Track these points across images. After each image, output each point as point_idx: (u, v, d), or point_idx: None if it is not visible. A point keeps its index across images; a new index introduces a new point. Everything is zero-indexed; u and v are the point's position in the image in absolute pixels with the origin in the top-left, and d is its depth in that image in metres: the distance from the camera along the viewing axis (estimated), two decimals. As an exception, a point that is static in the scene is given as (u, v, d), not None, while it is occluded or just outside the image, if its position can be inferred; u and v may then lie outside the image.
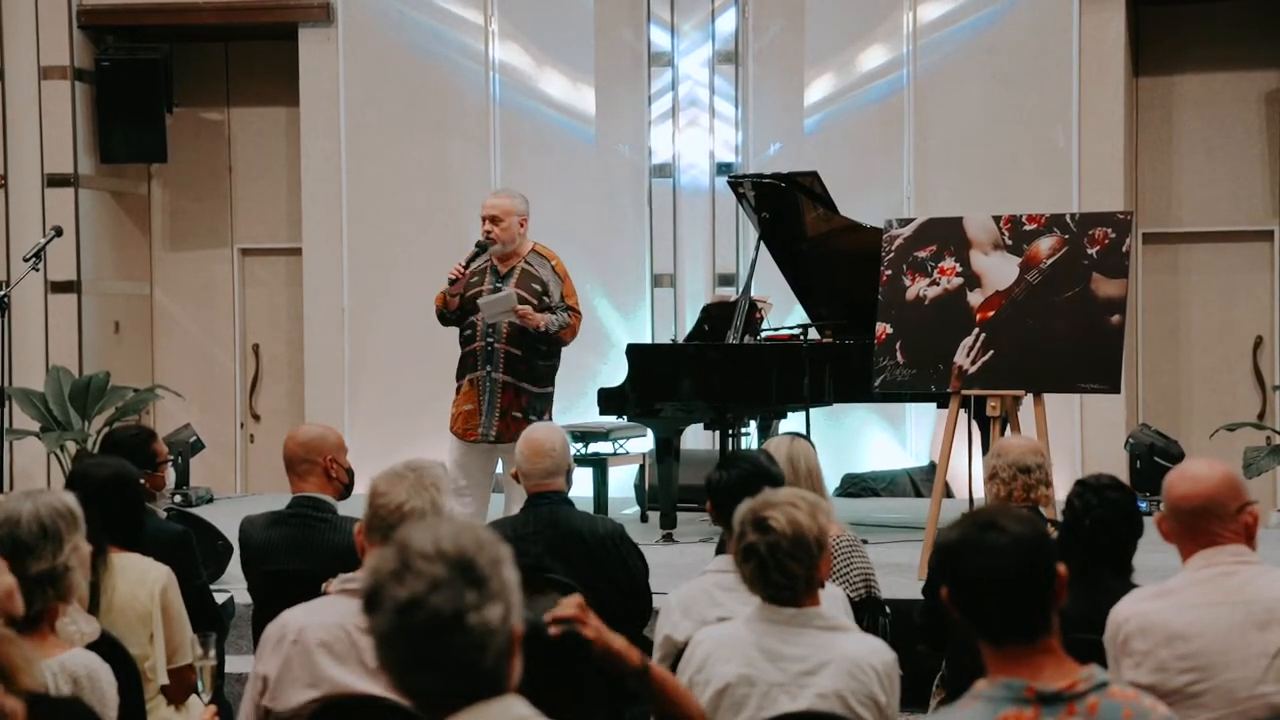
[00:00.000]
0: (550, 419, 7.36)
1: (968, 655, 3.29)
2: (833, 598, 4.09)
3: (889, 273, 7.31)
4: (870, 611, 4.95)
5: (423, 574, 2.09)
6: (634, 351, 8.35)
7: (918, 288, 7.24)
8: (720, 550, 4.65)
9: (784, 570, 3.54)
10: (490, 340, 7.26)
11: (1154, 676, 3.57)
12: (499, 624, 2.10)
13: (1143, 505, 8.91)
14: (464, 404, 7.31)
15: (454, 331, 7.43)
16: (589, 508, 7.97)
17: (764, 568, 3.55)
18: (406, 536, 2.14)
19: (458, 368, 7.39)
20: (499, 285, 7.27)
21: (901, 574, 6.81)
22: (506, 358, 7.24)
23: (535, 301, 7.24)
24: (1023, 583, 2.61)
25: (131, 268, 11.58)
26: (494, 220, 7.27)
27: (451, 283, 7.29)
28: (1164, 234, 10.72)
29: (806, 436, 5.33)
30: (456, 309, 7.32)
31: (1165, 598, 3.68)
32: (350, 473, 5.05)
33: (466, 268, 7.28)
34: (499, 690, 2.11)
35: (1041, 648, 2.61)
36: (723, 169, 10.66)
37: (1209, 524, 3.67)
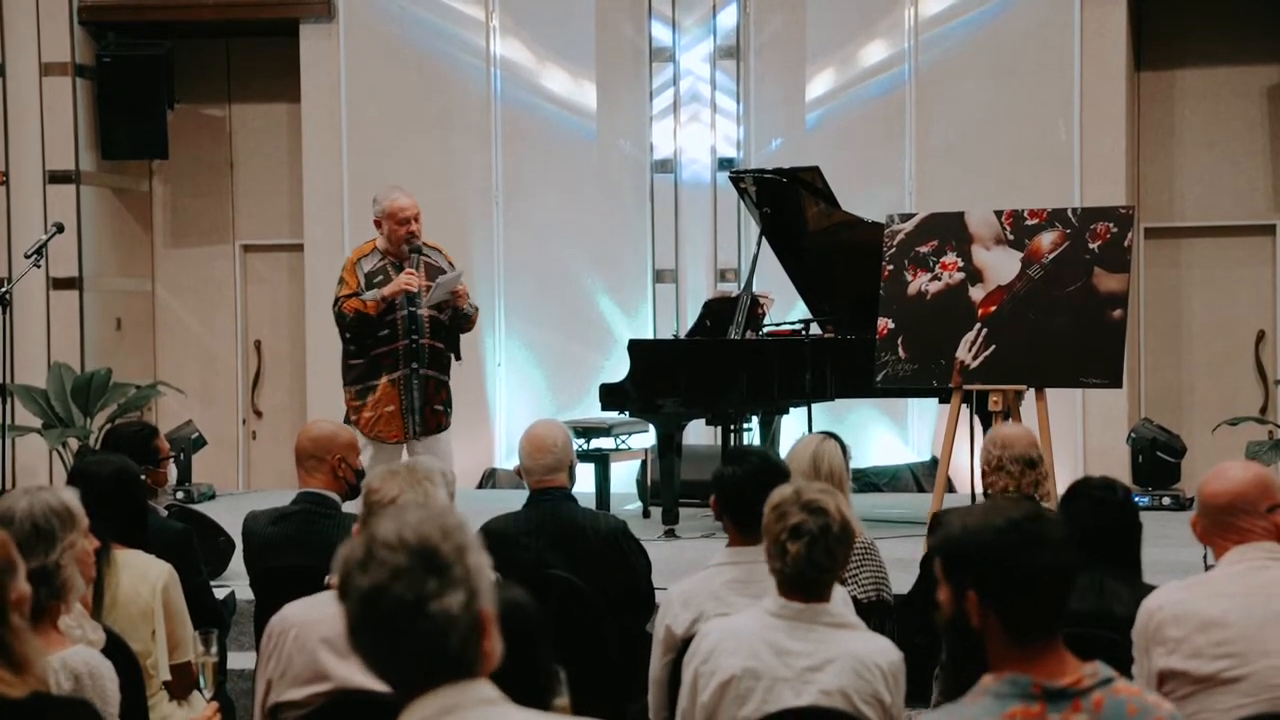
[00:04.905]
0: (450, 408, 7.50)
1: (966, 651, 3.27)
2: (836, 595, 4.08)
3: (891, 268, 7.30)
4: (879, 615, 4.93)
5: (385, 563, 2.13)
6: (636, 347, 8.34)
7: (919, 283, 7.23)
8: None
9: (831, 554, 3.55)
10: (414, 337, 7.30)
11: (1188, 663, 3.61)
12: (460, 610, 2.13)
13: (1145, 500, 9.07)
14: (384, 405, 7.31)
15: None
16: (591, 503, 7.97)
17: (813, 547, 3.54)
18: (375, 526, 2.19)
19: (366, 369, 7.32)
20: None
21: (904, 569, 6.78)
22: (431, 352, 7.33)
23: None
24: (1073, 575, 2.60)
25: (133, 264, 11.57)
26: (417, 219, 7.33)
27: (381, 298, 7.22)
28: (1166, 228, 10.71)
29: (837, 437, 5.25)
30: (379, 313, 7.27)
31: (1198, 587, 3.73)
32: (360, 473, 5.05)
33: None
34: (468, 673, 2.15)
35: (1052, 644, 2.60)
36: (724, 164, 10.64)
37: (1237, 520, 3.72)
